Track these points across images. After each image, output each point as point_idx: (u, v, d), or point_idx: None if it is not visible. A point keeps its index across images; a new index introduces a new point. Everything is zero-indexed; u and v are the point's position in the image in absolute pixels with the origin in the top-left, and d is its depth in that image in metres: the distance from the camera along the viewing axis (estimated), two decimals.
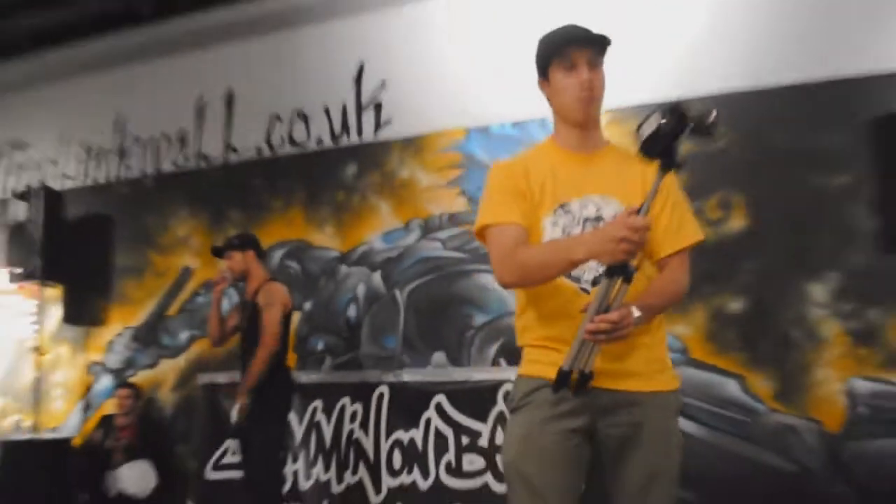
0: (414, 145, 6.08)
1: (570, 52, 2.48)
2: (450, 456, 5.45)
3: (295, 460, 5.96)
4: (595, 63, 2.49)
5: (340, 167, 6.33)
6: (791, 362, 4.83)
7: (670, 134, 2.07)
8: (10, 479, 6.53)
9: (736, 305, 4.97)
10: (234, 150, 6.85)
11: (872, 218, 4.78)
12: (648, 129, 2.09)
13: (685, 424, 4.81)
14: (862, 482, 4.56)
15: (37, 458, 6.67)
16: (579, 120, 2.53)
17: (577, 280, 2.40)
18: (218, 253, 5.33)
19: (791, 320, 4.86)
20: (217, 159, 6.92)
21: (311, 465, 5.92)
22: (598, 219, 2.42)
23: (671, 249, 2.47)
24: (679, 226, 2.50)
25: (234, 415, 4.95)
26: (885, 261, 4.70)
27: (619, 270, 2.14)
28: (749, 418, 4.85)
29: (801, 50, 5.05)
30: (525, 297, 2.53)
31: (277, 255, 6.48)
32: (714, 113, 2.09)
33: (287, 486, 5.90)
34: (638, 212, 2.12)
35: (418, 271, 5.92)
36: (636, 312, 2.20)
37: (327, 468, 5.82)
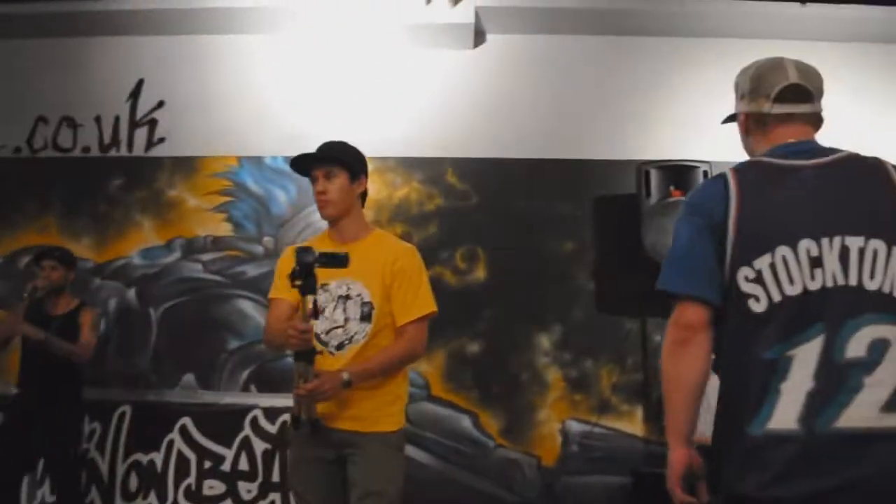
0: (186, 166, 5.88)
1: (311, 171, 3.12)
2: (190, 479, 5.24)
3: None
4: (329, 174, 3.06)
5: (107, 178, 5.97)
6: (518, 403, 5.20)
7: (304, 269, 2.70)
8: None
9: (473, 348, 5.24)
10: None
11: (592, 280, 5.24)
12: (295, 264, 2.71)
13: (421, 456, 4.97)
14: None
15: None
16: (324, 218, 3.14)
17: (326, 345, 2.98)
18: (38, 258, 4.97)
19: (520, 365, 5.24)
20: None
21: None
22: (348, 297, 2.98)
23: (405, 319, 2.98)
24: (413, 300, 2.99)
25: None
26: (599, 318, 5.19)
27: (303, 354, 2.76)
28: (479, 452, 5.16)
29: (543, 130, 5.52)
30: None
31: (23, 261, 5.92)
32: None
33: None
34: (314, 315, 2.74)
35: (176, 291, 5.71)
36: (345, 376, 2.82)
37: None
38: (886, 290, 1.93)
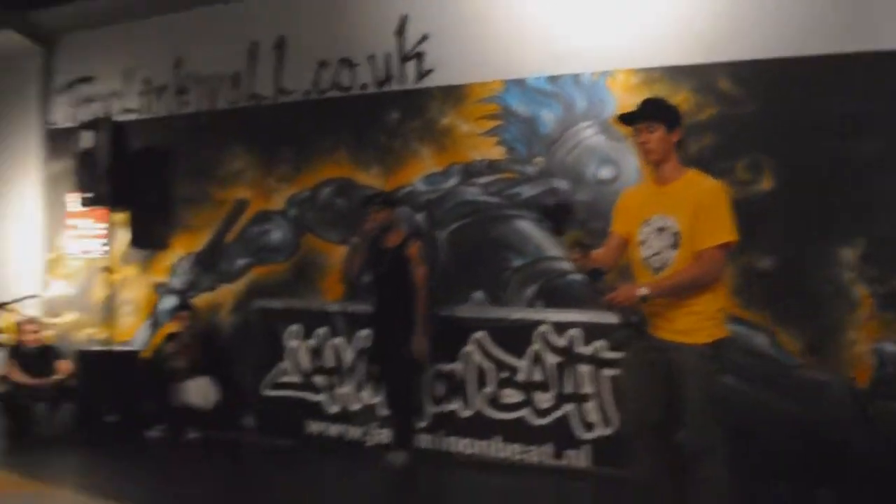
0: (454, 95, 5.85)
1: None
2: (490, 388, 5.43)
3: (344, 384, 5.94)
4: (649, 127, 3.37)
5: (384, 112, 6.12)
6: (821, 321, 4.65)
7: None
8: (85, 386, 6.62)
9: (763, 263, 4.78)
10: (285, 91, 6.60)
11: None
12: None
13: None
14: (889, 437, 4.42)
15: (109, 367, 6.77)
16: (646, 163, 3.51)
17: (649, 268, 3.37)
18: (367, 202, 5.49)
19: (819, 281, 4.65)
20: (268, 99, 6.69)
21: (359, 388, 5.92)
22: (663, 229, 3.33)
23: (701, 246, 3.24)
24: (711, 229, 3.24)
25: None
26: None
27: (593, 274, 3.31)
28: (778, 371, 4.70)
29: (834, 21, 4.73)
30: None
31: (325, 192, 6.35)
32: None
33: (337, 408, 5.93)
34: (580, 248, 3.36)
35: (458, 214, 5.78)
36: (642, 291, 3.23)
37: (375, 392, 5.81)
38: None
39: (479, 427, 5.42)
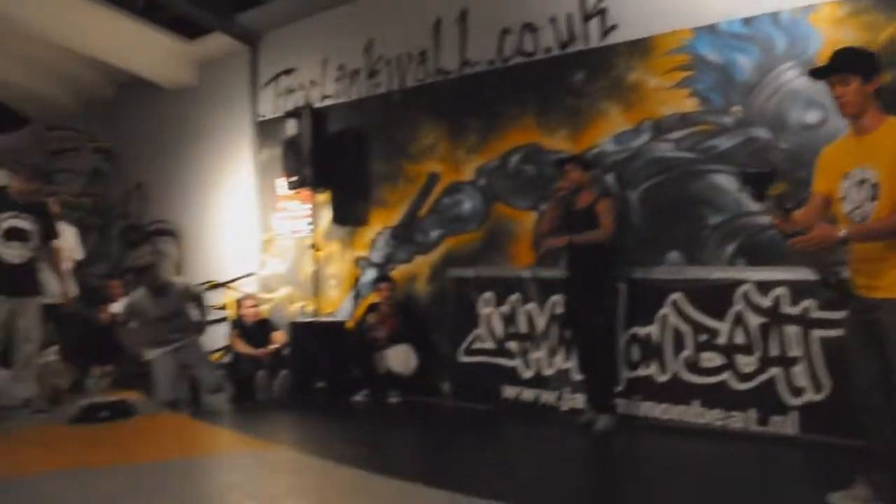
0: (640, 48, 5.55)
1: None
2: (688, 352, 5.09)
3: (537, 349, 5.84)
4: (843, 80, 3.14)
5: (569, 74, 5.93)
6: None
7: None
8: (297, 355, 6.96)
9: None
10: (469, 63, 6.59)
11: None
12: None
13: None
14: None
15: (317, 337, 7.10)
16: (843, 117, 3.25)
17: (852, 220, 3.17)
18: (560, 164, 5.42)
19: None
20: (453, 73, 6.72)
21: (552, 353, 5.79)
22: (863, 181, 3.13)
23: None
24: None
25: None
26: None
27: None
28: None
29: None
30: None
31: (513, 160, 6.28)
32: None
33: (531, 373, 5.84)
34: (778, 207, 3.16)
35: (650, 172, 5.48)
36: (841, 233, 3.07)
37: (568, 357, 5.65)
38: None
39: (677, 392, 5.10)
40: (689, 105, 5.29)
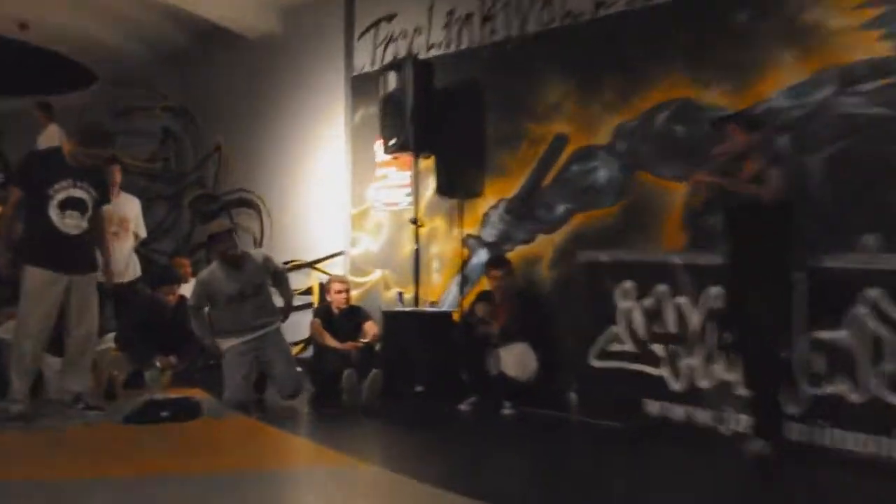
0: None
1: None
2: (890, 366, 4.59)
3: (691, 355, 5.50)
4: None
5: (729, 15, 5.64)
6: None
7: None
8: (392, 351, 6.88)
9: None
10: (605, 3, 6.38)
11: None
12: None
13: None
14: None
15: (418, 330, 6.99)
16: None
17: None
18: (718, 123, 5.24)
19: None
20: (585, 16, 6.52)
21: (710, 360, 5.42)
22: None
23: None
24: None
25: None
26: None
27: None
28: None
29: None
30: None
31: (660, 119, 6.03)
32: None
33: (682, 385, 5.54)
34: None
35: (836, 133, 5.10)
36: None
37: (731, 366, 5.26)
38: None
39: (876, 417, 4.61)
40: (883, 49, 4.90)
